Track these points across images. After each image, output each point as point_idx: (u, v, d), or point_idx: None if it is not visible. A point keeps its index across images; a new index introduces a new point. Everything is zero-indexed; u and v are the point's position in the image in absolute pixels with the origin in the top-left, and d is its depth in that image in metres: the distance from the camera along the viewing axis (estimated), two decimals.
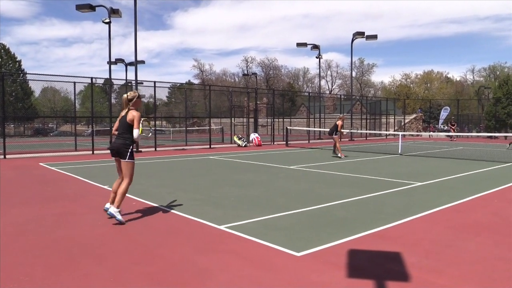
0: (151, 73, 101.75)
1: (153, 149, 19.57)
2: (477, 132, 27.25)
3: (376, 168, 12.00)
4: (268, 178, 9.94)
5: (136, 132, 5.59)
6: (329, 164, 13.23)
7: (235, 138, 22.96)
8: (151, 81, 20.02)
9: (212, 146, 21.59)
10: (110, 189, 7.20)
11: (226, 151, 19.15)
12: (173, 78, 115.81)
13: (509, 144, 22.17)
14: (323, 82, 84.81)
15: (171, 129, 42.67)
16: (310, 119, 30.41)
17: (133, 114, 5.64)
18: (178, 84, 64.53)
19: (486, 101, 44.96)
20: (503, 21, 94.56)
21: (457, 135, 23.46)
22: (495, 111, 38.51)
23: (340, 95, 40.99)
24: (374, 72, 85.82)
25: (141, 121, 5.68)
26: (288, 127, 24.33)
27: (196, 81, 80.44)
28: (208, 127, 23.73)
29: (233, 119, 25.01)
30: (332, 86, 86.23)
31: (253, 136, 24.26)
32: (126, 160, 5.70)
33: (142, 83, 22.03)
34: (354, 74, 78.62)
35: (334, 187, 8.53)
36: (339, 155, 15.17)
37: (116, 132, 5.78)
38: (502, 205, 6.76)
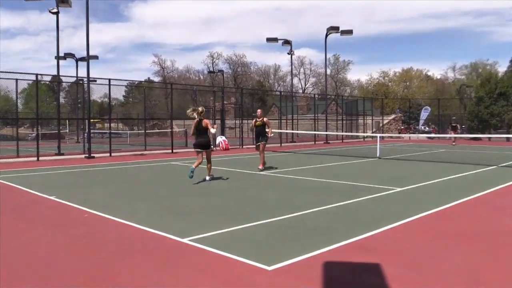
0: (106, 69, 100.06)
1: (108, 154, 19.22)
2: (460, 133, 28.17)
3: (353, 173, 12.15)
4: (237, 185, 9.88)
5: (213, 130, 10.33)
6: (303, 169, 13.31)
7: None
8: (105, 79, 19.66)
9: (174, 150, 21.37)
10: (57, 199, 8.02)
11: (190, 156, 18.99)
12: (131, 75, 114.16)
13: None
14: (295, 80, 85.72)
15: (129, 132, 42.17)
16: (282, 120, 30.62)
17: (206, 122, 10.24)
18: (136, 82, 63.54)
19: (469, 100, 46.38)
20: (485, 16, 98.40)
21: (455, 137, 24.13)
22: (478, 111, 39.82)
23: (314, 94, 41.50)
24: (350, 69, 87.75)
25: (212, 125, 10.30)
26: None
27: (156, 79, 79.70)
28: (170, 130, 23.50)
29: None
30: (305, 85, 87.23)
31: (219, 139, 24.00)
32: (209, 149, 10.38)
33: (95, 81, 21.57)
34: (328, 71, 79.83)
35: (308, 194, 8.57)
36: (262, 169, 12.85)
37: (194, 135, 10.38)
38: (487, 212, 6.95)
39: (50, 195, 8.59)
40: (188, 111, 10.37)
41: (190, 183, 10.22)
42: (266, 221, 6.19)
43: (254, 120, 12.97)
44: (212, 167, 10.94)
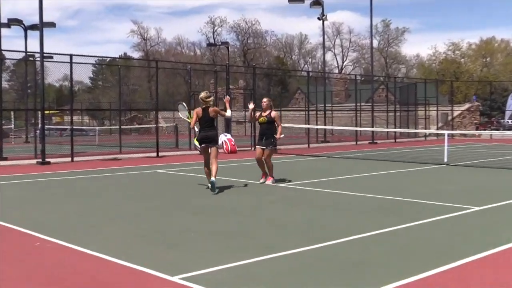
0: (67, 41, 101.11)
1: (69, 159, 19.37)
2: None
3: (410, 186, 12.07)
4: (248, 203, 9.87)
5: (228, 112, 11.62)
6: (339, 180, 13.27)
7: (196, 142, 22.88)
8: (65, 54, 19.86)
9: (160, 154, 21.46)
10: None
11: (182, 161, 19.05)
12: (101, 49, 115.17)
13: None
14: (329, 55, 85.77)
15: (97, 127, 42.50)
16: (311, 112, 30.61)
17: (214, 110, 11.07)
18: (108, 59, 64.35)
19: None
20: None
21: None
22: None
23: (356, 75, 41.39)
24: (405, 41, 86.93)
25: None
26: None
27: (136, 55, 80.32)
28: (155, 125, 23.60)
29: (192, 112, 24.94)
30: (343, 62, 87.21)
31: (223, 138, 23.91)
32: (217, 145, 11.18)
33: (52, 57, 21.79)
34: (375, 44, 79.72)
35: (347, 215, 8.54)
36: (264, 181, 12.67)
37: (197, 128, 11.31)
38: None
39: None
40: (209, 97, 11.18)
41: (182, 199, 10.25)
42: (286, 253, 6.18)
43: (259, 114, 12.67)
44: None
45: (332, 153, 22.59)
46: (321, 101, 30.77)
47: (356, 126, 30.39)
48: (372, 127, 30.94)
